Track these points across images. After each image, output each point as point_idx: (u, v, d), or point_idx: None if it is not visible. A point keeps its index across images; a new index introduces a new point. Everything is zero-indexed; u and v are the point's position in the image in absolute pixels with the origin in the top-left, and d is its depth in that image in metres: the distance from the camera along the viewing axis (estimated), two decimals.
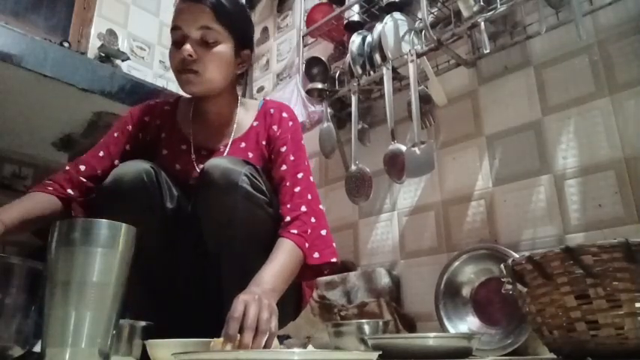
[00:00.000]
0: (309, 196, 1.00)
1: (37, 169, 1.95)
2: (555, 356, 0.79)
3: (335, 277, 1.58)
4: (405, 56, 1.45)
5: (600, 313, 0.68)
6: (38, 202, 0.94)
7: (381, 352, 0.66)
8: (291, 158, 1.03)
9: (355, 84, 1.60)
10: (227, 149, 1.06)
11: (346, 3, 1.75)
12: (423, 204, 1.57)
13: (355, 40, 1.62)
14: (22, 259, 0.69)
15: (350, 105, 1.62)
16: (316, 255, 0.97)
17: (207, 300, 0.96)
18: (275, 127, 1.07)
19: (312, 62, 1.78)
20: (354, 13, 1.72)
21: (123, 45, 2.22)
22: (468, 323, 1.31)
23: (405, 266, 1.56)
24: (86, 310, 0.61)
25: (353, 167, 1.55)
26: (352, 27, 1.71)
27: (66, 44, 1.89)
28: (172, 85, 1.82)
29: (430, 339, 0.87)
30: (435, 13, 1.53)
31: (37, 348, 0.65)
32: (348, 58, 1.64)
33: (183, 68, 0.99)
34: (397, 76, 1.56)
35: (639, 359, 0.66)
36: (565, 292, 0.72)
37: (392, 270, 1.57)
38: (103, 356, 0.62)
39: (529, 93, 1.38)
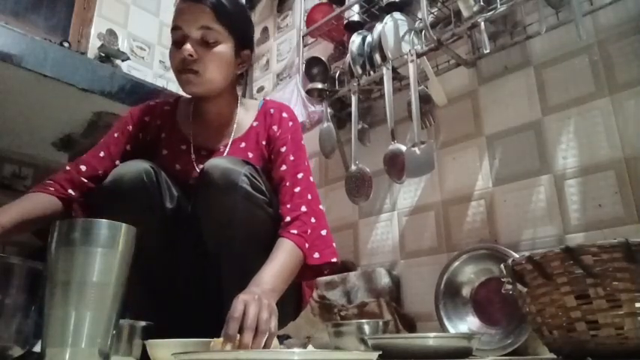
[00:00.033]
0: (309, 197, 1.00)
1: (37, 169, 1.95)
2: (555, 356, 0.79)
3: (335, 277, 1.58)
4: (405, 56, 1.45)
5: (600, 313, 0.68)
6: (38, 202, 0.94)
7: (381, 352, 0.66)
8: (291, 158, 1.03)
9: (355, 84, 1.60)
10: (227, 149, 1.06)
11: (346, 3, 1.75)
12: (423, 204, 1.57)
13: (355, 40, 1.62)
14: (22, 259, 0.69)
15: (350, 105, 1.62)
16: (316, 255, 0.97)
17: (207, 300, 0.96)
18: (275, 127, 1.07)
19: (312, 62, 1.78)
20: (354, 13, 1.72)
21: (123, 45, 2.22)
22: (468, 323, 1.31)
23: (405, 266, 1.56)
24: (86, 310, 0.61)
25: (353, 167, 1.55)
26: (352, 27, 1.71)
27: (66, 44, 1.89)
28: (172, 85, 1.83)
29: (430, 339, 0.87)
30: (435, 13, 1.53)
31: (37, 348, 0.65)
32: (348, 58, 1.64)
33: (183, 68, 0.99)
34: (397, 76, 1.56)
35: (639, 359, 0.66)
36: (565, 292, 0.72)
37: (392, 270, 1.57)
38: (103, 356, 0.62)
39: (529, 93, 1.38)
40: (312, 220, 0.98)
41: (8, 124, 1.63)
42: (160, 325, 0.83)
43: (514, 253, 1.24)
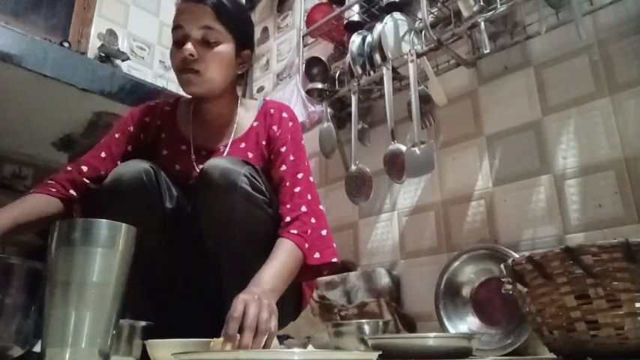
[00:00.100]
0: (309, 197, 1.00)
1: (37, 169, 1.95)
2: (555, 356, 0.79)
3: (335, 277, 1.58)
4: (405, 56, 1.45)
5: (600, 313, 0.68)
6: (38, 204, 0.94)
7: (381, 352, 0.66)
8: (291, 158, 1.03)
9: (355, 84, 1.60)
10: (227, 149, 1.06)
11: (346, 3, 1.75)
12: (423, 204, 1.57)
13: (355, 40, 1.62)
14: (22, 259, 0.69)
15: (350, 105, 1.62)
16: (317, 255, 0.97)
17: (207, 300, 0.96)
18: (275, 128, 1.07)
19: (312, 62, 1.78)
20: (354, 13, 1.72)
21: (123, 45, 2.22)
22: (468, 323, 1.31)
23: (405, 266, 1.56)
24: (86, 310, 0.61)
25: (353, 167, 1.55)
26: (352, 27, 1.71)
27: (66, 44, 1.89)
28: (172, 85, 1.83)
29: (430, 339, 0.87)
30: (435, 13, 1.53)
31: (37, 348, 0.65)
32: (348, 58, 1.64)
33: (184, 68, 0.99)
34: (397, 76, 1.56)
35: (639, 359, 0.66)
36: (565, 292, 0.72)
37: (392, 270, 1.57)
38: (103, 356, 0.62)
39: (529, 93, 1.38)
40: (312, 220, 0.98)
41: (8, 124, 1.63)
42: (159, 325, 0.83)
43: (514, 253, 1.24)
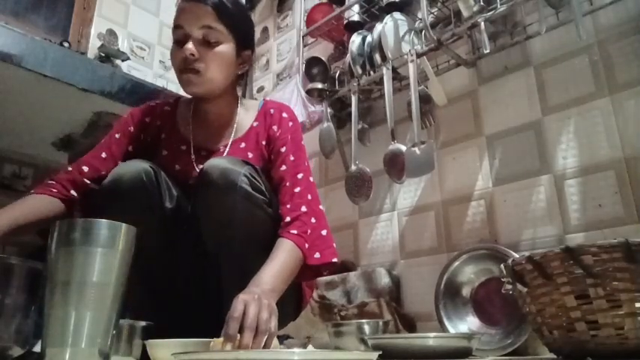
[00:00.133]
0: (309, 197, 1.00)
1: (37, 169, 1.95)
2: (555, 356, 0.79)
3: (335, 277, 1.58)
4: (405, 56, 1.45)
5: (600, 313, 0.68)
6: (39, 204, 0.94)
7: (381, 352, 0.66)
8: (291, 158, 1.03)
9: (355, 84, 1.60)
10: (227, 149, 1.06)
11: (346, 3, 1.75)
12: (423, 204, 1.57)
13: (355, 40, 1.62)
14: (22, 259, 0.69)
15: (350, 105, 1.62)
16: (317, 255, 0.97)
17: (207, 300, 0.96)
18: (275, 128, 1.07)
19: (312, 62, 1.78)
20: (354, 13, 1.72)
21: (123, 45, 2.22)
22: (468, 323, 1.31)
23: (405, 266, 1.56)
24: (86, 310, 0.61)
25: (353, 167, 1.55)
26: (352, 27, 1.71)
27: (66, 44, 1.89)
28: (172, 85, 1.83)
29: (430, 339, 0.87)
30: (435, 13, 1.53)
31: (37, 348, 0.65)
32: (348, 58, 1.64)
33: (184, 67, 0.99)
34: (397, 76, 1.56)
35: (639, 359, 0.66)
36: (565, 292, 0.72)
37: (392, 270, 1.57)
38: (103, 356, 0.62)
39: (529, 93, 1.38)
40: (312, 220, 0.98)
41: (8, 124, 1.63)
42: (159, 325, 0.83)
43: (514, 253, 1.24)
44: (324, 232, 1.00)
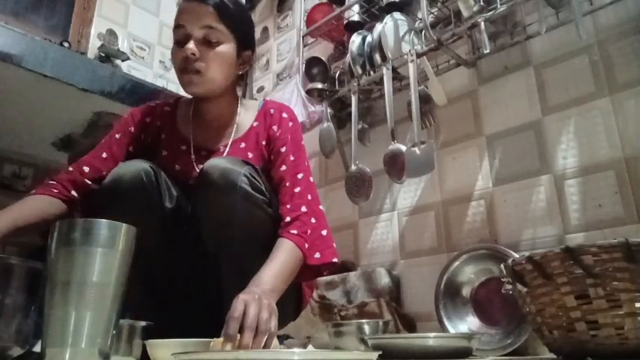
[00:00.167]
0: (309, 197, 1.00)
1: (37, 169, 1.95)
2: (555, 356, 0.79)
3: (335, 277, 1.58)
4: (405, 56, 1.45)
5: (600, 313, 0.68)
6: (40, 205, 0.94)
7: (381, 352, 0.66)
8: (291, 159, 1.03)
9: (355, 84, 1.60)
10: (227, 150, 1.06)
11: (346, 3, 1.75)
12: (423, 204, 1.57)
13: (355, 40, 1.62)
14: (22, 259, 0.69)
15: (350, 105, 1.62)
16: (317, 255, 0.97)
17: (207, 300, 0.96)
18: (275, 128, 1.07)
19: (312, 62, 1.78)
20: (354, 13, 1.72)
21: (123, 45, 2.22)
22: (468, 323, 1.31)
23: (405, 266, 1.56)
24: (86, 310, 0.61)
25: (353, 167, 1.55)
26: (352, 27, 1.71)
27: (66, 44, 1.89)
28: (172, 86, 1.83)
29: (430, 339, 0.87)
30: (435, 13, 1.53)
31: (37, 348, 0.65)
32: (348, 58, 1.64)
33: (185, 67, 0.99)
34: (397, 76, 1.56)
35: (639, 359, 0.66)
36: (565, 292, 0.72)
37: (392, 270, 1.57)
38: (103, 356, 0.62)
39: (529, 93, 1.38)
40: (312, 220, 0.98)
41: (8, 124, 1.63)
42: (160, 325, 0.83)
43: (514, 253, 1.24)
44: (324, 232, 1.00)
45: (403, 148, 1.41)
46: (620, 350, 0.67)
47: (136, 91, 1.51)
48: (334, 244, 1.01)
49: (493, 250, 1.31)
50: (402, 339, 0.99)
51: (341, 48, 1.90)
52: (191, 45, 0.98)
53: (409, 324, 1.44)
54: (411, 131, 1.39)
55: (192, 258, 0.99)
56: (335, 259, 0.99)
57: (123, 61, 2.07)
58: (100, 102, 1.48)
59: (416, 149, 1.36)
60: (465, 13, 1.31)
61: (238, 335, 0.66)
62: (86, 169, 1.01)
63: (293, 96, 1.80)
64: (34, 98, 1.46)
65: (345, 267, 1.65)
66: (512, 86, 1.42)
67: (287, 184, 1.00)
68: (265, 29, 2.45)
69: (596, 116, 1.24)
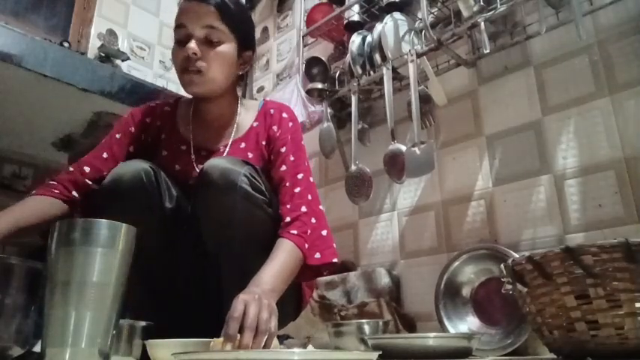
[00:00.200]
0: (309, 197, 1.00)
1: (37, 169, 1.95)
2: (555, 356, 0.79)
3: (335, 277, 1.58)
4: (405, 56, 1.45)
5: (600, 313, 0.68)
6: (41, 205, 0.94)
7: (381, 352, 0.66)
8: (291, 159, 1.03)
9: (355, 84, 1.60)
10: (227, 150, 1.06)
11: (346, 3, 1.75)
12: (423, 204, 1.57)
13: (355, 40, 1.62)
14: (22, 259, 0.69)
15: (350, 105, 1.62)
16: (317, 255, 0.97)
17: (207, 300, 0.96)
18: (275, 128, 1.07)
19: (312, 62, 1.78)
20: (354, 13, 1.72)
21: (123, 45, 2.22)
22: (468, 323, 1.31)
23: (405, 266, 1.56)
24: (86, 310, 0.61)
25: (353, 167, 1.55)
26: (352, 27, 1.71)
27: (66, 44, 1.89)
28: (172, 86, 1.83)
29: (430, 339, 0.87)
30: (435, 13, 1.53)
31: (37, 348, 0.65)
32: (348, 58, 1.64)
33: (187, 67, 0.99)
34: (397, 76, 1.56)
35: (639, 359, 0.66)
36: (565, 292, 0.72)
37: (392, 270, 1.57)
38: (103, 356, 0.62)
39: (529, 93, 1.38)
40: (312, 220, 0.98)
41: (8, 124, 1.63)
42: (160, 325, 0.83)
43: (514, 253, 1.24)
44: (324, 233, 1.00)
45: (403, 148, 1.41)
46: (620, 350, 0.67)
47: (136, 91, 1.51)
48: (334, 244, 1.01)
49: (493, 250, 1.31)
50: (402, 339, 0.99)
51: (341, 48, 1.90)
52: (192, 44, 0.98)
53: (409, 324, 1.44)
54: (411, 131, 1.39)
55: (192, 258, 0.99)
56: (335, 259, 0.99)
57: (123, 61, 2.07)
58: (100, 102, 1.48)
59: (416, 149, 1.36)
60: (465, 13, 1.31)
61: (238, 335, 0.66)
62: (87, 169, 1.01)
63: (293, 96, 1.80)
64: (34, 98, 1.46)
65: (345, 267, 1.65)
66: (512, 86, 1.42)
67: (287, 184, 1.00)
68: (265, 29, 2.45)
69: (596, 116, 1.24)
